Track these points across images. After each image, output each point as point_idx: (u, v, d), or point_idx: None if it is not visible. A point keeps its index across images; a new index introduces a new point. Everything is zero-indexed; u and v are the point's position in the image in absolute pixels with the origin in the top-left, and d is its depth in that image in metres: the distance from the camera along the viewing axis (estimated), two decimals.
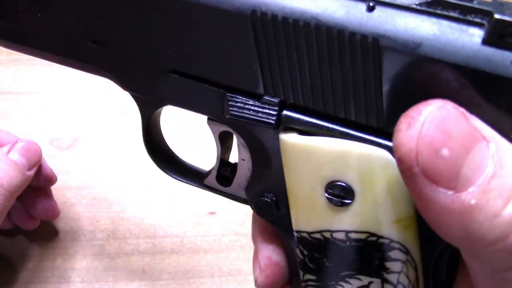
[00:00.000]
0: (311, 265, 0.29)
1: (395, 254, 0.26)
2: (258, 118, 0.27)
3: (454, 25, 0.21)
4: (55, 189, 0.52)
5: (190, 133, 0.59)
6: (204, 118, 0.32)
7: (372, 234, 0.26)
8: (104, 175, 0.56)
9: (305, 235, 0.28)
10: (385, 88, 0.23)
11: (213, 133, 0.32)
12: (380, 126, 0.24)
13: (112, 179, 0.56)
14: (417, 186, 0.20)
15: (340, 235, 0.27)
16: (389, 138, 0.23)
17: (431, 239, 0.26)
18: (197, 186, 0.36)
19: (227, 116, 0.28)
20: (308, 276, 0.30)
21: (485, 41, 0.21)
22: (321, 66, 0.24)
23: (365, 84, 0.24)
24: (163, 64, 0.29)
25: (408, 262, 0.27)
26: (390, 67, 0.23)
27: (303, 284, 0.30)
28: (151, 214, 0.55)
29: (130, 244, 0.53)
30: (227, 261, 0.53)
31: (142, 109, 0.34)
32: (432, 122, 0.19)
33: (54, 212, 0.51)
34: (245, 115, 0.27)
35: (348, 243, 0.27)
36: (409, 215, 0.25)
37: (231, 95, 0.27)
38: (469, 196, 0.19)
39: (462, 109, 0.20)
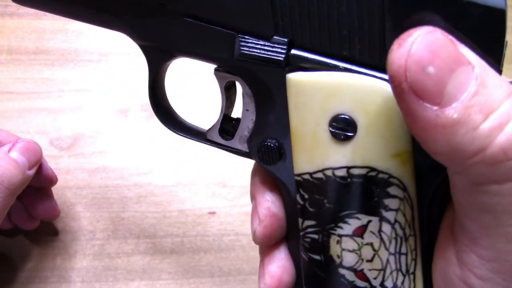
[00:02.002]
0: (311, 209, 0.29)
1: (393, 190, 0.27)
2: (267, 56, 0.28)
3: None
4: (55, 189, 0.52)
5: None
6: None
7: (372, 169, 0.27)
8: (104, 175, 0.56)
9: (306, 177, 0.29)
10: (388, 24, 0.25)
11: (219, 84, 0.33)
12: (383, 62, 0.25)
13: (112, 179, 0.56)
14: (405, 102, 0.22)
15: (342, 172, 0.28)
16: None
17: (427, 176, 0.27)
18: (199, 141, 0.36)
19: (237, 58, 0.29)
20: (307, 223, 0.30)
21: None
22: (329, 4, 0.26)
23: (369, 21, 0.25)
24: (178, 8, 0.29)
25: (405, 199, 0.28)
26: (393, 3, 0.25)
27: (301, 233, 0.31)
28: (151, 214, 0.55)
29: (130, 244, 0.53)
30: (227, 261, 0.53)
31: (151, 62, 0.34)
32: (421, 42, 0.21)
33: (54, 212, 0.51)
34: (255, 53, 0.28)
35: (349, 179, 0.28)
36: (407, 149, 0.27)
37: (242, 36, 0.28)
38: (452, 111, 0.21)
39: (451, 37, 0.22)
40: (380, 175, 0.27)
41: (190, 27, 0.30)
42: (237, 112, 0.36)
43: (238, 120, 0.34)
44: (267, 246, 0.34)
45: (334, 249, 0.30)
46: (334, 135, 0.27)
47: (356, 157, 0.27)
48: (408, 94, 0.22)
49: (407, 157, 0.27)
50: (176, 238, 0.54)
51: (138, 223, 0.54)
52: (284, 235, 0.34)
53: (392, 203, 0.28)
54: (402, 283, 0.29)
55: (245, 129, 0.33)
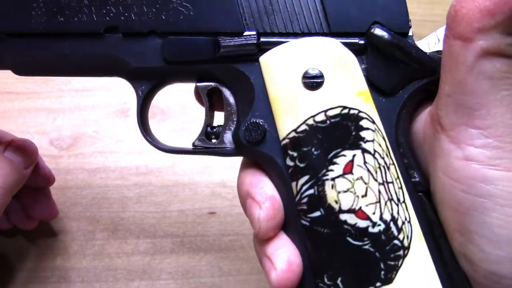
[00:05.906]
0: (302, 165, 0.34)
1: (365, 123, 0.34)
2: (243, 43, 0.35)
3: None
4: (55, 189, 0.53)
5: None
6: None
7: (344, 107, 0.34)
8: (104, 175, 0.56)
9: (292, 134, 0.34)
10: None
11: (201, 93, 0.39)
12: (329, 29, 0.35)
13: (112, 179, 0.56)
14: None
15: (321, 117, 0.34)
16: (338, 37, 0.35)
17: (385, 110, 0.34)
18: (187, 150, 0.40)
19: (220, 54, 0.36)
20: (301, 181, 0.34)
21: None
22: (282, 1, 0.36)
23: (310, 3, 0.35)
24: (166, 31, 0.36)
25: (377, 130, 0.34)
26: None
27: (297, 198, 0.34)
28: (151, 214, 0.55)
29: (130, 244, 0.53)
30: (227, 261, 0.53)
31: (140, 93, 0.40)
32: None
33: (52, 212, 0.51)
34: (234, 47, 0.36)
35: (328, 122, 0.34)
36: (365, 88, 0.34)
37: (221, 37, 0.36)
38: None
39: None
40: (351, 111, 0.34)
41: (176, 42, 0.37)
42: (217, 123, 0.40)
43: (220, 126, 0.39)
44: (271, 233, 0.35)
45: (331, 195, 0.33)
46: (308, 85, 0.34)
47: (329, 100, 0.34)
48: None
49: (367, 96, 0.34)
50: (176, 238, 0.54)
51: (138, 223, 0.54)
52: (283, 222, 0.35)
53: (367, 134, 0.33)
54: (398, 212, 0.33)
55: (228, 127, 0.38)
